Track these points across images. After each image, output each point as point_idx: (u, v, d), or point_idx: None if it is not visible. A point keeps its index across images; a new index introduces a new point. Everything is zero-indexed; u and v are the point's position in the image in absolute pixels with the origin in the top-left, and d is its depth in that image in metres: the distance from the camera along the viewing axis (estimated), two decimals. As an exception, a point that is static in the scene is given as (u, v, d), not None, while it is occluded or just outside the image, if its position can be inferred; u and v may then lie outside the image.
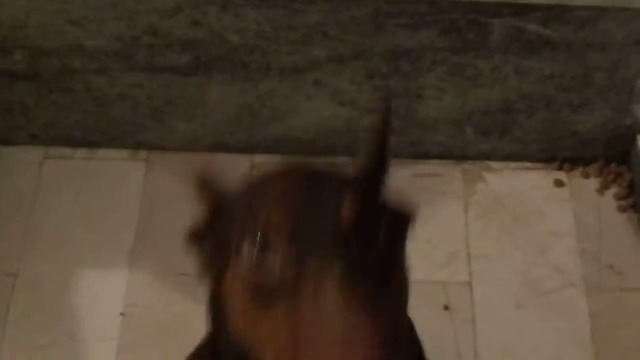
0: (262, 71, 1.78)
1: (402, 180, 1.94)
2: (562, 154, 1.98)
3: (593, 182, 1.97)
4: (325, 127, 1.92)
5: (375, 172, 0.93)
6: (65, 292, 1.79)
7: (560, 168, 1.99)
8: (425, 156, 1.98)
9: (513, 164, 1.99)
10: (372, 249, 0.86)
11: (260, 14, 1.66)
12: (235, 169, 1.95)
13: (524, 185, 1.96)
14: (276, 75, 1.79)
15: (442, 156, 1.98)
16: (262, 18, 1.67)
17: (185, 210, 1.90)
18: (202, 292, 1.80)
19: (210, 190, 1.01)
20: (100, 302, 1.79)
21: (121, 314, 1.78)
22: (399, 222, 0.93)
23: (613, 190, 1.96)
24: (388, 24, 1.67)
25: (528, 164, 1.99)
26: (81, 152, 1.98)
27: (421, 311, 1.77)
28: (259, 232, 0.87)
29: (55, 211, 1.89)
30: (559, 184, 1.97)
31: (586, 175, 1.98)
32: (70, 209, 1.90)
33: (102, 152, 1.98)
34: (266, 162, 1.97)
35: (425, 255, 1.86)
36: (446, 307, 1.80)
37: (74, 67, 1.78)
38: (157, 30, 1.69)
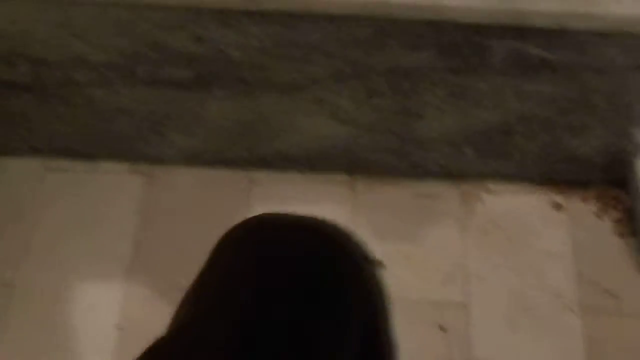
0: (262, 87, 1.79)
1: (401, 200, 1.95)
2: (560, 177, 1.99)
3: (591, 206, 1.97)
4: (325, 144, 1.92)
5: None
6: (61, 304, 1.79)
7: (558, 191, 1.99)
8: (424, 176, 1.99)
9: (512, 186, 1.99)
10: None
11: (262, 31, 1.67)
12: (234, 186, 1.97)
13: (522, 207, 1.97)
14: (276, 92, 1.80)
15: (440, 177, 1.99)
16: (263, 34, 1.67)
17: (183, 225, 1.91)
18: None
19: None
20: (96, 315, 1.79)
21: (117, 327, 1.78)
22: None
23: (611, 214, 1.96)
24: (389, 43, 1.68)
25: (526, 186, 1.99)
26: (81, 165, 1.98)
27: (417, 331, 1.79)
28: None
29: (53, 223, 1.90)
30: (557, 207, 1.97)
31: (584, 199, 1.98)
32: (69, 221, 1.90)
33: (102, 165, 1.98)
34: (265, 178, 1.97)
35: (421, 275, 1.86)
36: (442, 328, 1.80)
37: (76, 80, 1.78)
38: (159, 45, 1.70)
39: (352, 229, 1.89)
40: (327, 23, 1.66)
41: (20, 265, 1.84)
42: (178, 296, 1.80)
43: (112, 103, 1.84)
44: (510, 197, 1.98)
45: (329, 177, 1.97)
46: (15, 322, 1.78)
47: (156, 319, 1.79)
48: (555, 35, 1.64)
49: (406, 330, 1.80)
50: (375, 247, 1.88)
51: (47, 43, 1.72)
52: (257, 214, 1.06)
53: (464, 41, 1.65)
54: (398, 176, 1.99)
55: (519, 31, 1.63)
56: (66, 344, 1.76)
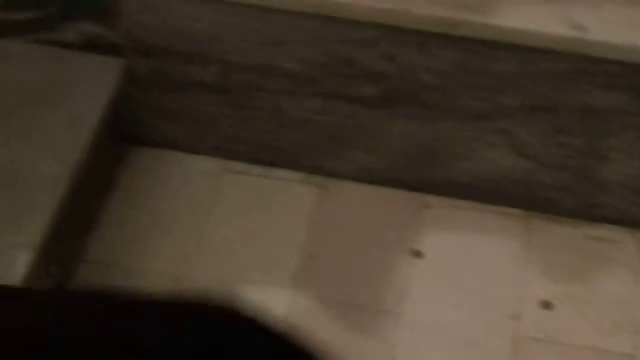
0: (447, 113, 1.78)
1: (574, 241, 1.90)
2: None
3: None
4: (502, 176, 1.89)
5: None
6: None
7: None
8: (601, 220, 1.93)
9: (693, 241, 1.92)
10: None
11: (456, 57, 1.66)
12: (405, 207, 1.96)
13: (701, 263, 1.89)
14: (460, 119, 1.78)
15: (618, 222, 1.92)
16: (456, 61, 1.66)
17: (351, 241, 1.92)
18: (360, 324, 1.81)
19: None
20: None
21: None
22: None
23: None
24: (583, 81, 1.64)
25: None
26: (258, 169, 2.01)
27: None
28: None
29: (226, 223, 1.92)
30: None
31: None
32: (241, 223, 1.92)
33: (277, 172, 2.00)
34: (437, 203, 1.95)
35: (589, 321, 1.81)
36: (606, 378, 1.75)
37: (265, 86, 1.81)
38: (351, 60, 1.71)
39: (523, 265, 1.86)
40: (522, 54, 1.64)
41: (190, 261, 1.87)
42: (340, 310, 1.81)
43: (296, 112, 1.86)
44: (690, 252, 1.90)
45: (503, 210, 1.94)
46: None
47: (317, 332, 1.81)
48: None
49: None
50: (545, 286, 1.85)
51: (240, 47, 1.75)
52: None
53: (664, 87, 1.60)
54: (573, 216, 1.94)
55: None
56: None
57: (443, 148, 1.86)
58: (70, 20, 1.81)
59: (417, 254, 1.88)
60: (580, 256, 1.89)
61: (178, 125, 1.97)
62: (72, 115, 1.81)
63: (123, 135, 1.99)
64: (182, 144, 2.01)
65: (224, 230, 1.91)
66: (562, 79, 1.64)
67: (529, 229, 1.92)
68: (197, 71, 1.82)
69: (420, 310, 1.81)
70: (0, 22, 1.84)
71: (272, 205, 1.96)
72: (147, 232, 1.90)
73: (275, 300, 1.82)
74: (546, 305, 1.82)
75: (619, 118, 1.69)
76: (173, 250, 1.88)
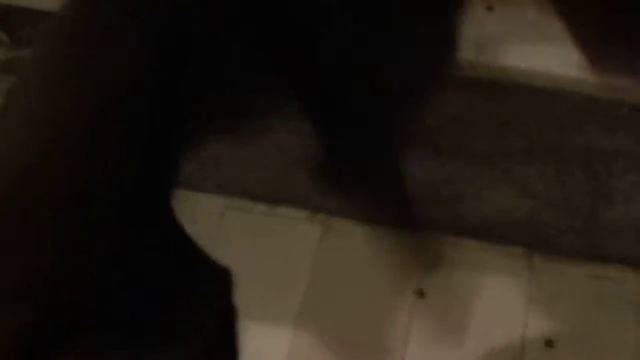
0: (451, 152, 1.78)
1: (576, 280, 1.91)
2: None
3: None
4: (505, 216, 1.90)
5: None
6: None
7: None
8: (603, 260, 1.94)
9: (695, 282, 1.93)
10: None
11: (459, 97, 1.66)
12: (408, 246, 1.96)
13: None
14: (465, 159, 1.79)
15: (621, 261, 1.93)
16: (460, 101, 1.67)
17: (355, 280, 1.92)
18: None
19: None
20: None
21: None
22: None
23: None
24: (586, 122, 1.65)
25: None
26: (261, 207, 2.02)
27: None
28: None
29: (229, 260, 1.92)
30: None
31: None
32: (244, 260, 1.92)
33: (281, 210, 2.01)
34: (441, 242, 1.96)
35: (591, 359, 1.82)
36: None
37: (269, 124, 1.82)
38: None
39: (525, 303, 1.87)
40: (526, 95, 1.64)
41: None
42: (343, 349, 1.81)
43: (301, 151, 1.86)
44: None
45: (506, 249, 1.95)
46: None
47: (321, 369, 1.81)
48: None
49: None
50: (548, 325, 1.85)
51: (246, 86, 1.77)
52: None
53: (666, 129, 1.61)
54: (576, 256, 1.95)
55: None
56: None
57: (447, 188, 1.87)
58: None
59: (420, 294, 1.89)
60: (583, 295, 1.90)
61: (182, 163, 1.97)
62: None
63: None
64: (186, 182, 2.00)
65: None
66: (566, 120, 1.65)
67: (532, 268, 1.92)
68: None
69: (423, 350, 1.81)
70: None
71: (276, 243, 1.97)
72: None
73: (277, 338, 1.82)
74: (549, 343, 1.82)
75: (622, 160, 1.70)
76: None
